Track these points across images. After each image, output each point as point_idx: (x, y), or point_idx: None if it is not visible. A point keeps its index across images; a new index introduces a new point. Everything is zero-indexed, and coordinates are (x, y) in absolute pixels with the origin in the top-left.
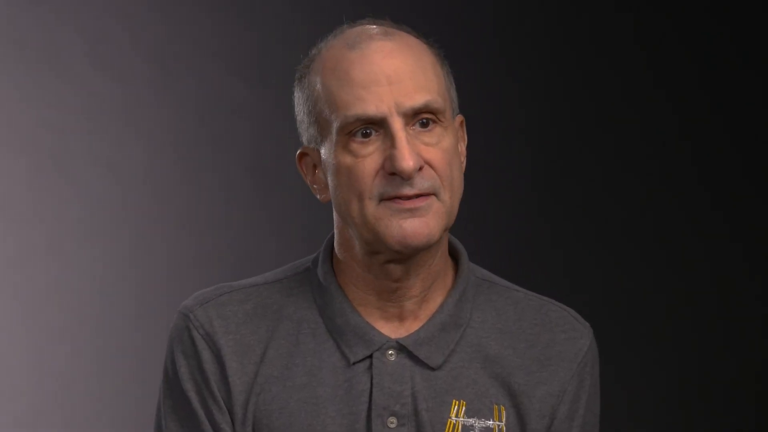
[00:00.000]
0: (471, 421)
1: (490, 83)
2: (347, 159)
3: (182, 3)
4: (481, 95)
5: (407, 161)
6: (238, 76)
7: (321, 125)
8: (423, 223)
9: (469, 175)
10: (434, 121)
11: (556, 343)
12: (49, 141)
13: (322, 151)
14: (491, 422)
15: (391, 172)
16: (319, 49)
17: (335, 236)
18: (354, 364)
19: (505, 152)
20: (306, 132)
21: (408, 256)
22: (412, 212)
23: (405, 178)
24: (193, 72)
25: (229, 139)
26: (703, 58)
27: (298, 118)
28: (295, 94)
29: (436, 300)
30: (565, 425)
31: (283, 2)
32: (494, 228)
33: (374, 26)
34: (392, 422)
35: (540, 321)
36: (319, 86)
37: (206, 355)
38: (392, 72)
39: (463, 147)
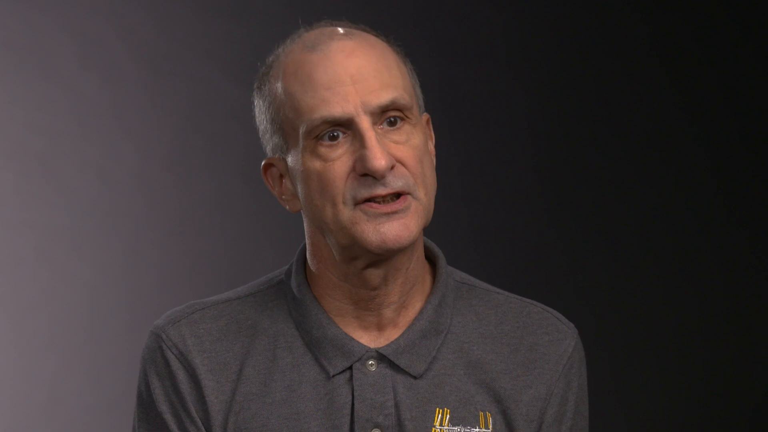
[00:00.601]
0: (456, 429)
1: (496, 85)
2: (316, 164)
3: (174, 3)
4: (486, 97)
5: (379, 160)
6: (233, 78)
7: (286, 132)
8: (402, 225)
9: (473, 178)
10: (402, 119)
11: (540, 346)
12: (37, 145)
13: (289, 159)
14: (477, 430)
15: (363, 173)
16: (276, 55)
17: (307, 246)
18: (334, 376)
19: (510, 156)
20: (270, 141)
21: (387, 259)
22: (390, 216)
23: (378, 177)
24: (186, 74)
25: (224, 143)
26: (715, 59)
27: (261, 127)
28: (255, 103)
29: (415, 306)
30: (554, 429)
31: (278, 2)
32: (497, 231)
33: (332, 27)
34: None
35: (522, 324)
36: (281, 92)
37: (181, 375)
38: (355, 71)
39: (431, 145)
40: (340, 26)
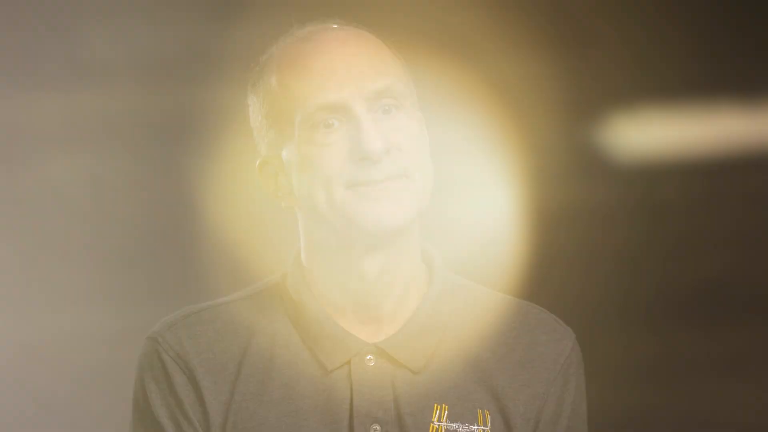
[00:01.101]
0: (454, 426)
1: (495, 85)
2: (311, 150)
3: (171, 4)
4: (486, 96)
5: (374, 142)
6: (231, 81)
7: (281, 125)
8: (397, 204)
9: (472, 177)
10: (397, 107)
11: (538, 345)
12: (27, 149)
13: (284, 153)
14: (476, 427)
15: (359, 158)
16: (270, 53)
17: (303, 244)
18: (332, 371)
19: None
20: (265, 137)
21: (384, 241)
22: (386, 193)
23: (374, 160)
24: (182, 77)
25: (220, 147)
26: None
27: (255, 125)
28: (249, 101)
29: (413, 303)
30: (550, 428)
31: (278, 5)
32: (495, 232)
33: (325, 24)
34: (376, 429)
35: (520, 323)
36: (275, 85)
37: (178, 378)
38: (350, 58)
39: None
40: (332, 23)
